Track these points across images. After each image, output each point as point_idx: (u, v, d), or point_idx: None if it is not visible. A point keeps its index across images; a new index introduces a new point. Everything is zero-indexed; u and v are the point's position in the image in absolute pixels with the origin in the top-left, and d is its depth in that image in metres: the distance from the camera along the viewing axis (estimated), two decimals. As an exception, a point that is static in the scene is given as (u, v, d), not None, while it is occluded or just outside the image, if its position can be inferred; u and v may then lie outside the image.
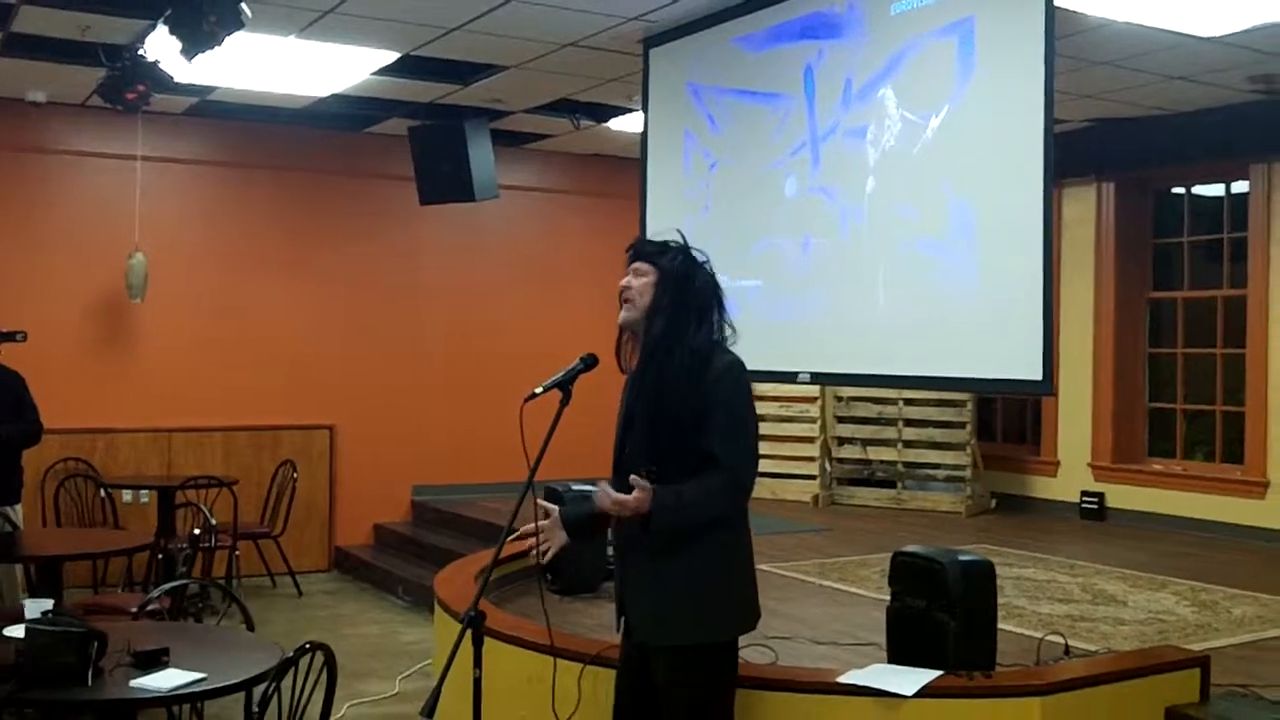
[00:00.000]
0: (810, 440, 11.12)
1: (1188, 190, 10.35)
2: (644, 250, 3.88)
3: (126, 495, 9.70)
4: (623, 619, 3.98)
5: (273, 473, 9.98)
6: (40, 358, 8.81)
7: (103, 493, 9.17)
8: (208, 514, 6.56)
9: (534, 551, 3.93)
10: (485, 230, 11.44)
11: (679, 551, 3.74)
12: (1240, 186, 9.74)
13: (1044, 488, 10.89)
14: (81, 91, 9.26)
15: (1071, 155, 9.33)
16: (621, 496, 3.62)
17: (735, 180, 7.30)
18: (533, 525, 3.91)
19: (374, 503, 11.05)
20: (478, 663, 3.82)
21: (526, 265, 11.74)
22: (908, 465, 10.98)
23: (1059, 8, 5.60)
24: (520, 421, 3.81)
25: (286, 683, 3.78)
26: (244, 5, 6.13)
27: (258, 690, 3.84)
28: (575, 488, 5.71)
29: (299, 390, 10.73)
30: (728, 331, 3.89)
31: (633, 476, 3.62)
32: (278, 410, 10.64)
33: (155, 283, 9.85)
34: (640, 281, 3.82)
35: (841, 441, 11.22)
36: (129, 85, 7.57)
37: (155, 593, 5.28)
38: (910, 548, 4.93)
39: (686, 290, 3.81)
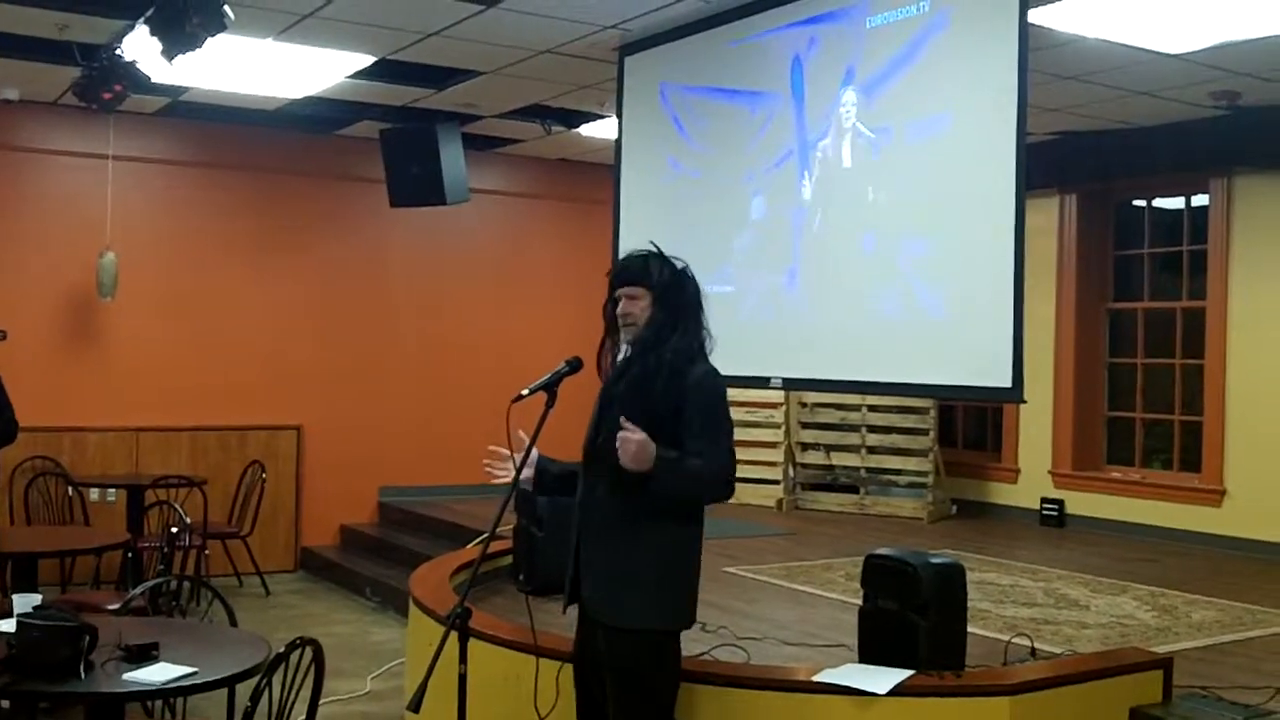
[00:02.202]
0: (774, 445, 11.23)
1: (1149, 203, 10.53)
2: (629, 276, 4.07)
3: (94, 494, 9.67)
4: (576, 606, 4.11)
5: (240, 473, 9.98)
6: (9, 355, 8.79)
7: (70, 491, 9.16)
8: (182, 513, 6.60)
9: (489, 468, 4.16)
10: (454, 233, 11.48)
11: (638, 538, 3.91)
12: (1200, 200, 9.91)
13: (1004, 494, 11.04)
14: (54, 90, 9.25)
15: (1035, 167, 9.39)
16: (633, 438, 3.71)
17: (706, 191, 7.33)
18: (506, 452, 4.11)
19: (340, 503, 11.06)
20: (463, 658, 3.90)
21: (495, 269, 11.79)
22: (870, 471, 11.09)
23: (1031, 23, 5.72)
24: (507, 423, 3.94)
25: (273, 677, 3.84)
26: (227, 8, 6.17)
27: (247, 684, 3.88)
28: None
29: (267, 390, 10.74)
30: (707, 340, 4.09)
31: (624, 419, 3.74)
32: (245, 410, 10.64)
33: (125, 282, 9.85)
34: (638, 305, 4.01)
35: (805, 447, 11.33)
36: (106, 85, 7.60)
37: (139, 589, 5.31)
38: (882, 550, 5.02)
39: (678, 300, 4.02)
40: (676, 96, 7.49)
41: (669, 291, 4.00)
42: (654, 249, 4.11)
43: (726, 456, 3.91)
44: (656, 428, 3.84)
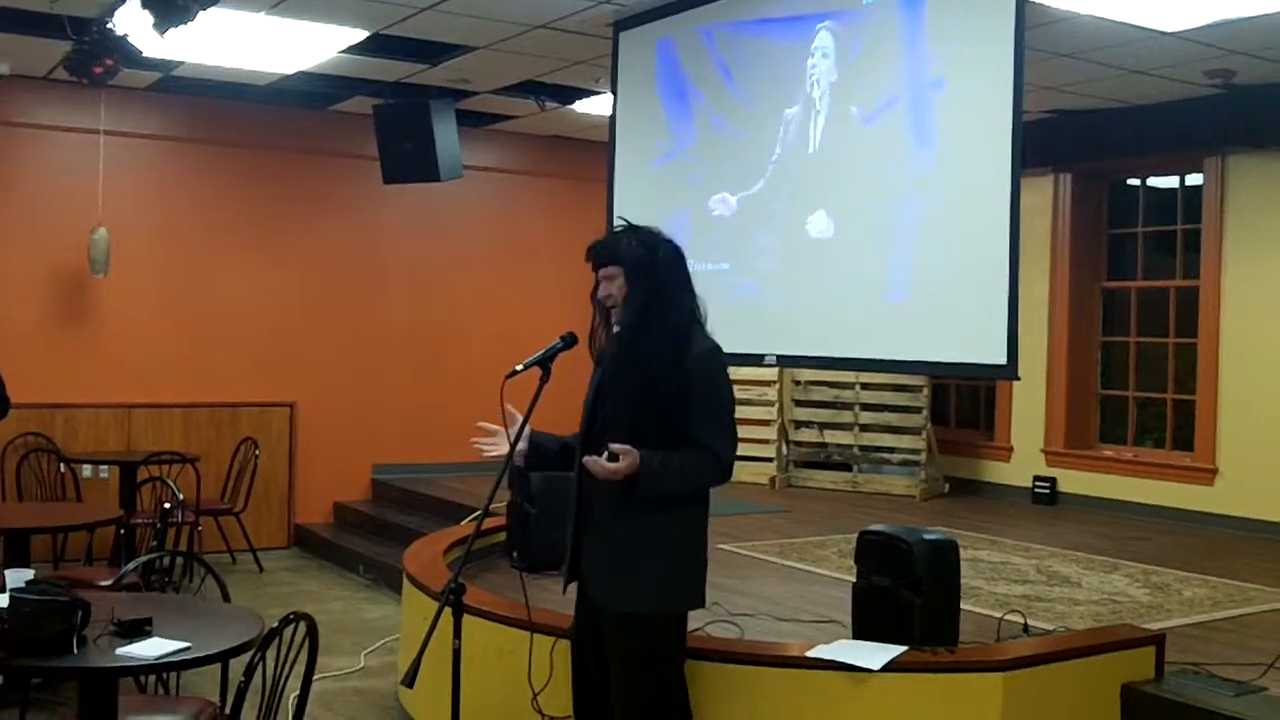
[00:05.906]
0: (768, 423, 11.22)
1: (1143, 182, 10.51)
2: (602, 255, 4.01)
3: (86, 470, 9.65)
4: (576, 586, 4.13)
5: (233, 449, 9.98)
6: (0, 332, 8.78)
7: (63, 467, 9.14)
8: (175, 489, 6.59)
9: (478, 444, 4.14)
10: (447, 210, 11.44)
11: (641, 523, 3.90)
12: (1194, 179, 9.90)
13: (997, 472, 11.05)
14: (45, 64, 9.20)
15: (1030, 146, 9.40)
16: (615, 465, 3.74)
17: (718, 163, 7.28)
18: (495, 427, 4.07)
19: (334, 481, 11.05)
20: (457, 633, 3.90)
21: (488, 245, 11.76)
22: (863, 449, 11.10)
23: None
24: (501, 399, 3.93)
25: (267, 653, 3.84)
26: (219, -19, 6.14)
27: (240, 660, 3.88)
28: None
29: (260, 367, 10.72)
30: (698, 307, 4.05)
31: (614, 445, 3.75)
32: (238, 387, 10.61)
33: (118, 258, 9.81)
34: (615, 284, 3.96)
35: (799, 425, 11.34)
36: (97, 59, 7.55)
37: (132, 565, 5.30)
38: (877, 527, 5.04)
39: (654, 269, 3.94)
40: (724, 37, 7.10)
41: (640, 265, 3.92)
42: (624, 223, 4.07)
43: (725, 441, 3.90)
44: (667, 414, 3.84)
